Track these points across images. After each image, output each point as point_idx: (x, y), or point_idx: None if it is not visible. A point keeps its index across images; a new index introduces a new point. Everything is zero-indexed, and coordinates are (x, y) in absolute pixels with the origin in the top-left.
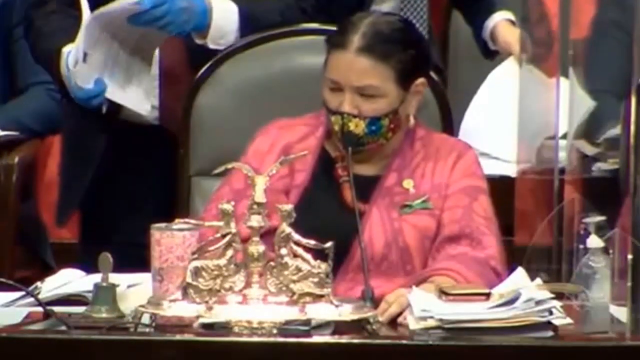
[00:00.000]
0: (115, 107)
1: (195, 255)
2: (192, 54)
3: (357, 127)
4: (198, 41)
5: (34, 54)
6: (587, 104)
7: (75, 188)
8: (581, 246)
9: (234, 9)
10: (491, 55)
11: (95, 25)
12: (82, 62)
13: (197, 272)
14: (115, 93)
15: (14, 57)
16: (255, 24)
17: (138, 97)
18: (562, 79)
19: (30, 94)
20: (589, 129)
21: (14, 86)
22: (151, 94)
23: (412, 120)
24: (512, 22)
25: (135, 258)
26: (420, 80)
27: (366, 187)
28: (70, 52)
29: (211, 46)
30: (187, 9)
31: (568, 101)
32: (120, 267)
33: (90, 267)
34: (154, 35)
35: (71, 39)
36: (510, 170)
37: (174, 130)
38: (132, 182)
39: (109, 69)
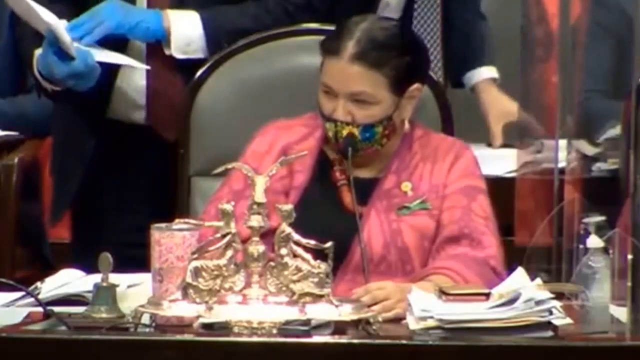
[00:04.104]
0: (104, 100)
1: (195, 255)
2: (181, 60)
3: (351, 134)
4: (166, 51)
5: (18, 53)
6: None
7: (66, 188)
8: (581, 246)
9: (193, 15)
10: (460, 86)
11: None
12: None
13: (197, 272)
14: (107, 57)
15: None
16: (223, 30)
17: (131, 59)
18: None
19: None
20: (583, 128)
21: (24, 85)
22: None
23: (407, 125)
24: (494, 80)
25: (127, 258)
26: (416, 85)
27: (364, 190)
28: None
29: (180, 56)
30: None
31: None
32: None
33: (82, 267)
34: None
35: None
36: None
37: (162, 132)
38: (122, 182)
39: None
